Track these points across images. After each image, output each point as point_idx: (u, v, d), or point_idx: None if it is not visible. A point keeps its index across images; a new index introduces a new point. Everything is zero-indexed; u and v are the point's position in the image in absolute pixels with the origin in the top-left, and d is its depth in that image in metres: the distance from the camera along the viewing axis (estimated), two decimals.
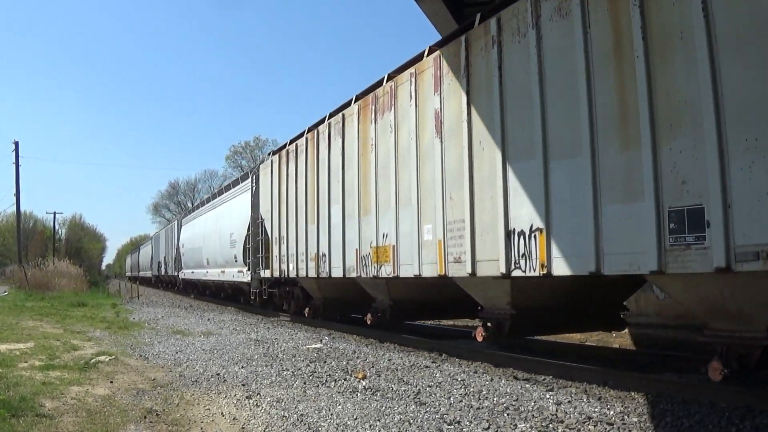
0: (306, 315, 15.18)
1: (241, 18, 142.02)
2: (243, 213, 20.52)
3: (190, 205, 73.66)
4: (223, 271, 23.38)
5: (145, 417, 5.93)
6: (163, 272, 42.78)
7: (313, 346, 10.88)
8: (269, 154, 17.56)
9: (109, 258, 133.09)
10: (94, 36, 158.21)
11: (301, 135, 14.88)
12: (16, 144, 44.76)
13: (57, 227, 74.44)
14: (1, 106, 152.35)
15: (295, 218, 14.83)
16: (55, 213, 72.40)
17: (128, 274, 77.28)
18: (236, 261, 21.18)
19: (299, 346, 10.93)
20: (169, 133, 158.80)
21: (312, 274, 13.77)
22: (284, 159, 15.80)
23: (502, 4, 7.92)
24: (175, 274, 36.00)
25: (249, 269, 19.26)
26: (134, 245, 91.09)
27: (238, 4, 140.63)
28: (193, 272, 29.92)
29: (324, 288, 14.18)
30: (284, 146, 16.10)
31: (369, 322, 12.14)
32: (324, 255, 13.06)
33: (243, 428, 5.62)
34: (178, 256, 34.80)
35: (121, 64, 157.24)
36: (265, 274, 17.30)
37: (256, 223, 18.47)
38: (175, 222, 38.68)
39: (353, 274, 11.84)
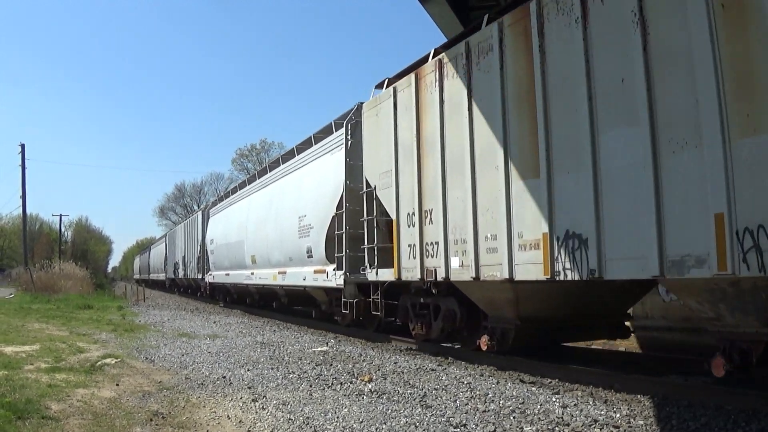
0: (483, 347, 8.87)
1: (247, 21, 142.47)
2: (326, 184, 13.78)
3: (196, 207, 73.34)
4: (282, 272, 16.51)
5: (151, 420, 5.95)
6: (181, 274, 35.86)
7: (319, 349, 10.88)
8: (379, 86, 11.32)
9: (115, 261, 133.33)
10: (101, 39, 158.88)
11: (472, 30, 8.91)
12: (23, 146, 44.88)
13: (63, 229, 74.39)
14: (8, 109, 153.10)
15: (470, 175, 8.44)
16: (61, 215, 72.16)
17: (136, 276, 73.49)
18: (311, 257, 14.39)
19: (305, 349, 10.94)
20: (175, 135, 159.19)
21: (532, 274, 7.38)
22: (430, 79, 9.46)
23: None
24: (199, 276, 29.20)
25: (341, 269, 12.49)
26: (140, 248, 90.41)
27: (243, 8, 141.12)
28: (227, 274, 22.90)
29: (528, 300, 8.25)
30: (420, 62, 10.04)
31: (719, 372, 6.00)
32: (577, 237, 6.80)
33: (249, 431, 5.63)
34: (203, 255, 27.94)
35: (127, 67, 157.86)
36: (382, 275, 11.03)
37: (356, 195, 12.01)
38: (198, 214, 31.39)
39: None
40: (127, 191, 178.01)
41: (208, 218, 27.97)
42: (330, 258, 13.32)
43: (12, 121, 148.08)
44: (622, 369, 7.66)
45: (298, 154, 16.82)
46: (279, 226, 16.84)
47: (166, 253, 43.85)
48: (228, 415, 6.12)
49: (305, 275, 14.70)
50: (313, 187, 14.72)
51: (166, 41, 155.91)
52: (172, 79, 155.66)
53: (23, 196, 44.71)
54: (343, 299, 12.52)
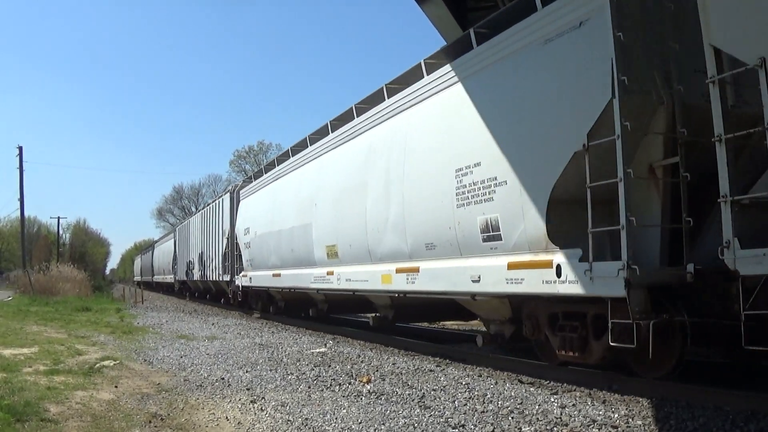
0: None
1: (245, 23, 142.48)
2: (541, 97, 7.47)
3: (194, 209, 72.92)
4: (408, 270, 10.08)
5: (149, 421, 5.95)
6: (196, 276, 29.19)
7: (318, 350, 10.88)
8: None
9: (113, 263, 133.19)
10: (99, 41, 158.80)
11: None
12: (20, 149, 44.94)
13: (61, 232, 74.54)
14: (6, 111, 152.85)
15: None
16: (59, 218, 72.30)
17: (137, 278, 69.32)
18: (493, 239, 8.16)
19: (303, 350, 10.94)
20: (173, 138, 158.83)
21: None
22: None
23: None
24: (224, 278, 23.16)
25: (600, 257, 6.64)
26: (139, 249, 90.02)
27: (241, 10, 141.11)
28: (276, 275, 16.47)
29: None
30: None
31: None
32: None
33: None
34: (231, 250, 22.10)
35: (124, 70, 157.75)
36: None
37: (641, 105, 6.53)
38: (224, 197, 24.27)
39: None
40: (124, 193, 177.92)
41: (239, 201, 21.52)
42: (559, 239, 7.22)
43: (10, 125, 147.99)
44: (621, 369, 7.65)
45: (429, 73, 9.73)
46: (395, 194, 10.29)
47: (175, 251, 37.20)
48: (227, 417, 6.13)
49: (480, 272, 8.28)
50: (502, 112, 8.00)
51: (162, 45, 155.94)
52: (169, 82, 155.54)
53: (21, 199, 44.73)
54: (610, 320, 6.46)
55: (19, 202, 44.93)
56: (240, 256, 20.69)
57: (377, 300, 12.04)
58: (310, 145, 14.77)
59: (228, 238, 22.64)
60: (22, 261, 46.36)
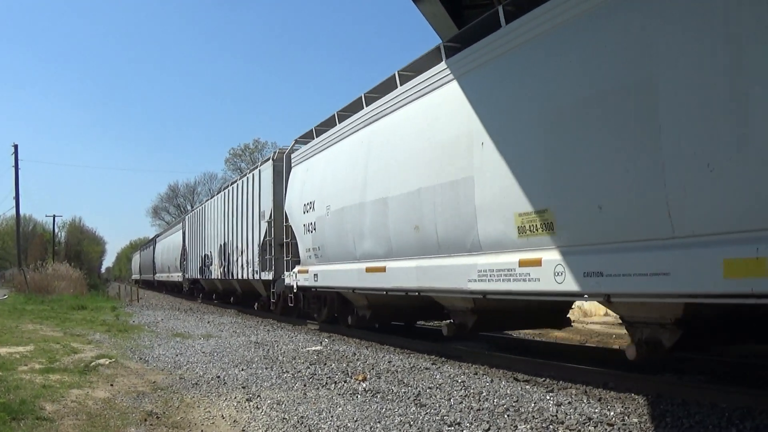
0: None
1: (241, 21, 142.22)
2: None
3: (189, 207, 72.61)
4: None
5: (145, 420, 5.94)
6: (215, 274, 23.76)
7: (313, 348, 10.88)
8: None
9: (108, 261, 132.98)
10: (94, 39, 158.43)
11: None
12: (16, 147, 44.81)
13: (56, 230, 74.40)
14: (1, 109, 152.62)
15: None
16: (54, 216, 71.98)
17: (135, 277, 65.56)
18: None
19: (299, 348, 10.93)
20: (168, 136, 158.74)
21: None
22: None
23: None
24: (264, 276, 17.44)
25: None
26: (134, 248, 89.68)
27: (237, 7, 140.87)
28: (378, 269, 10.69)
29: None
30: None
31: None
32: None
33: (243, 430, 5.63)
34: (274, 238, 16.69)
35: (120, 68, 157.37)
36: None
37: None
38: (261, 170, 18.34)
39: None
40: (120, 192, 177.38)
41: (290, 170, 15.52)
42: None
43: (5, 122, 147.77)
44: (617, 367, 7.67)
45: None
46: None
47: (183, 244, 31.53)
48: (222, 415, 6.12)
49: None
50: None
51: (158, 42, 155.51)
52: (165, 79, 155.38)
53: (16, 197, 44.60)
54: None
55: (14, 201, 44.88)
56: (292, 244, 15.21)
57: (638, 312, 6.59)
58: (447, 58, 8.79)
59: (270, 222, 17.00)
60: (17, 259, 46.24)
